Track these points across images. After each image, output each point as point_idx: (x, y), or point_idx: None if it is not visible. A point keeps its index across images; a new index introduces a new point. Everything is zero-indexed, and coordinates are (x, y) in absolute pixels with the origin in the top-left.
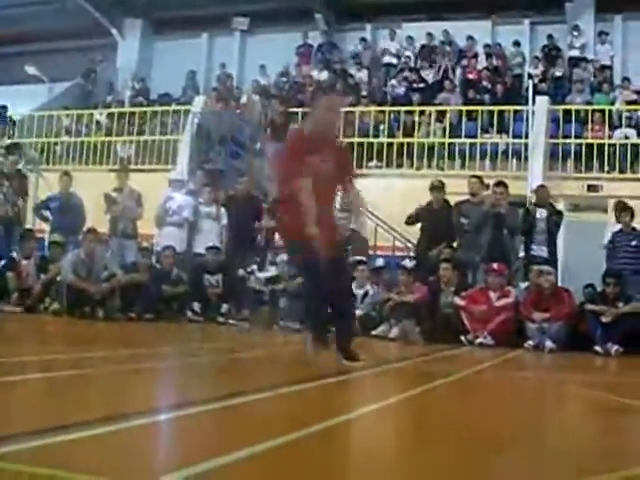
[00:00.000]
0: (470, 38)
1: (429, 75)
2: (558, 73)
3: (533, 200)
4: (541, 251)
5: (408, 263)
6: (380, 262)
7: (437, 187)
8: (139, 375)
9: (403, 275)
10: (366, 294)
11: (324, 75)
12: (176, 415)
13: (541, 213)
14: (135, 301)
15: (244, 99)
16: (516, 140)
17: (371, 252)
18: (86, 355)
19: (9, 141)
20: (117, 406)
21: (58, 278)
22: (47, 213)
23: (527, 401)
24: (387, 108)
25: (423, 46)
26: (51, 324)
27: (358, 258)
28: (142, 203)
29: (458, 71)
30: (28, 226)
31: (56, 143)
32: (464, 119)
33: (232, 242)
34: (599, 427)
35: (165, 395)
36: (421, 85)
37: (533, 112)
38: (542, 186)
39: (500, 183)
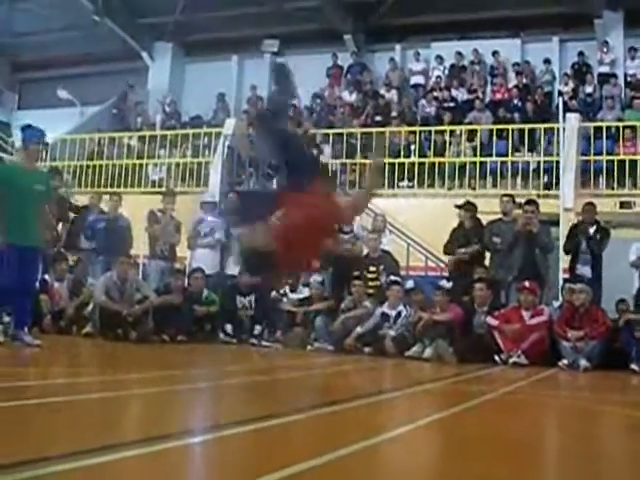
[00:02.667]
0: (499, 56)
1: (459, 94)
2: (588, 90)
3: (580, 218)
4: (585, 271)
5: (446, 284)
6: (410, 283)
7: (465, 207)
8: (174, 397)
9: (439, 295)
10: (399, 314)
11: (354, 96)
12: (214, 437)
13: (587, 231)
14: (168, 323)
15: None
16: (547, 158)
17: (403, 272)
18: (120, 377)
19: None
20: (154, 428)
21: (91, 301)
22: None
23: (564, 421)
24: (418, 128)
25: (453, 65)
26: (84, 346)
27: (392, 278)
28: (180, 231)
29: (488, 90)
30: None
31: (88, 166)
32: (495, 138)
33: None
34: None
35: (201, 417)
36: (451, 104)
37: (564, 130)
38: (590, 203)
39: (531, 201)
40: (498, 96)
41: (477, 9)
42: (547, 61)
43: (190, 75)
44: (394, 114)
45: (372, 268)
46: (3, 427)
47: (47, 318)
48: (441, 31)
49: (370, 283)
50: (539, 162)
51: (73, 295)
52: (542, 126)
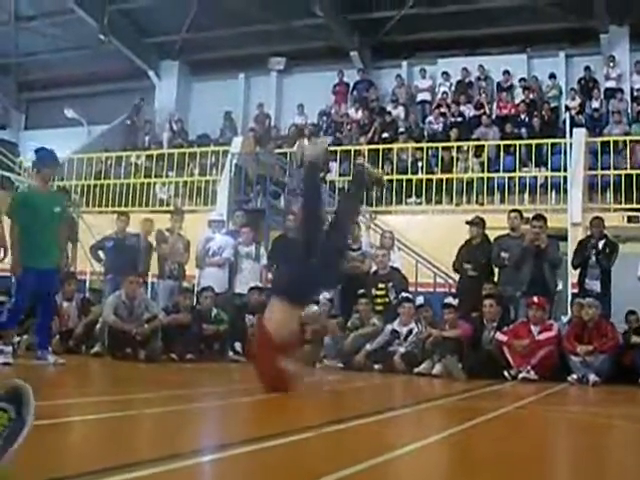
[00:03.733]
0: (506, 72)
1: (466, 110)
2: (595, 105)
3: (588, 232)
4: (594, 285)
5: (452, 300)
6: (420, 300)
7: (475, 223)
8: (184, 416)
9: (450, 314)
10: (410, 332)
11: (361, 113)
12: (223, 456)
13: (595, 245)
14: (177, 342)
15: (296, 147)
16: (555, 173)
17: (412, 289)
18: (130, 397)
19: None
20: (164, 447)
21: (99, 320)
22: (101, 254)
23: (575, 437)
24: (425, 144)
25: (459, 81)
26: (93, 366)
27: (404, 295)
28: (189, 249)
29: (495, 105)
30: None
31: (95, 185)
32: (502, 153)
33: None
34: None
35: (211, 436)
36: (458, 120)
37: (571, 145)
38: (597, 217)
39: (538, 217)
40: (505, 111)
41: (483, 25)
42: (553, 76)
43: (197, 93)
44: (401, 130)
45: (381, 285)
46: None
47: (56, 338)
48: (447, 47)
49: (379, 300)
50: (547, 177)
51: (82, 315)
52: (549, 141)
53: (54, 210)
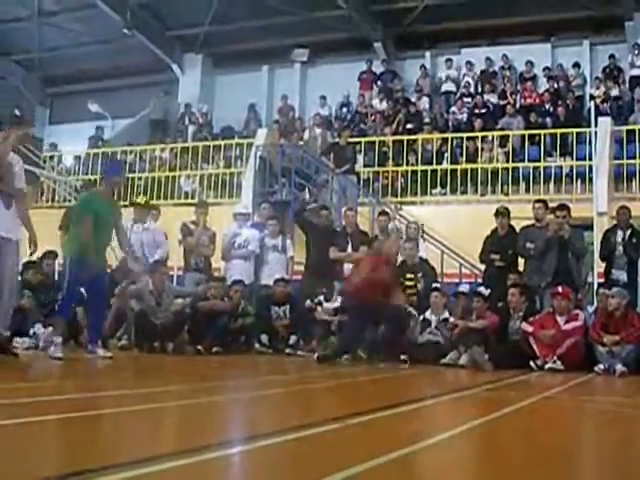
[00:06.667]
0: (530, 62)
1: (490, 100)
2: (620, 93)
3: (613, 222)
4: (620, 275)
5: (484, 290)
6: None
7: (502, 213)
8: (213, 408)
9: (479, 302)
10: (446, 320)
11: (385, 104)
12: (252, 447)
13: (621, 235)
14: (204, 334)
15: (306, 135)
16: (580, 162)
17: (438, 279)
18: (160, 389)
19: (69, 177)
20: (194, 439)
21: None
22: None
23: (602, 427)
24: (449, 135)
25: (483, 71)
26: (121, 359)
27: (433, 285)
28: (215, 242)
29: (519, 95)
30: None
31: None
32: (527, 143)
33: (313, 272)
34: None
35: (240, 427)
36: (482, 110)
37: (596, 134)
38: (623, 207)
39: (562, 206)
40: (529, 101)
41: (506, 14)
42: (577, 65)
43: (220, 86)
44: (426, 121)
45: (410, 275)
46: (44, 441)
47: (85, 332)
48: (470, 37)
49: (408, 290)
50: (572, 167)
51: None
52: (574, 130)
53: (112, 219)
